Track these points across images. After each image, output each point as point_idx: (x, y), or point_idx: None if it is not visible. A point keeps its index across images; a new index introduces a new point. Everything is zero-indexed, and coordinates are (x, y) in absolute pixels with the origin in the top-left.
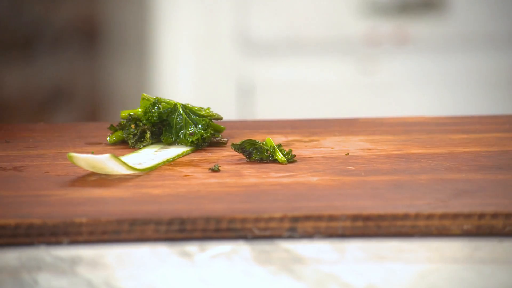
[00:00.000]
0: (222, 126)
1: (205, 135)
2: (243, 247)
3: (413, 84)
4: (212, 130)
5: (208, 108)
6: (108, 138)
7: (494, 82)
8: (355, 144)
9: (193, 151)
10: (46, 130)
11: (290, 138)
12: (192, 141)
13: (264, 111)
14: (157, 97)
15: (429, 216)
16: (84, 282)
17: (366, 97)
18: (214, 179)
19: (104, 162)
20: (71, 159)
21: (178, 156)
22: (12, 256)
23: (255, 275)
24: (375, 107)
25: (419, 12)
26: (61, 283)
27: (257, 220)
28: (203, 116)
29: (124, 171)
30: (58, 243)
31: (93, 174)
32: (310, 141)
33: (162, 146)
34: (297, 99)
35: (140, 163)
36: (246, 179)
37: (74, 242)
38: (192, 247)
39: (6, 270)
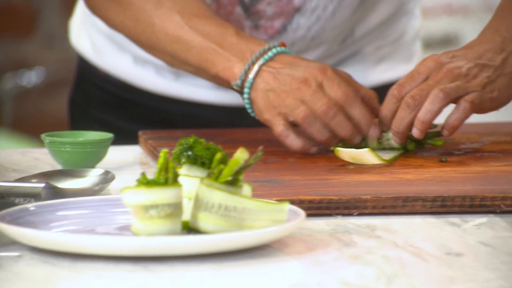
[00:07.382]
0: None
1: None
2: (496, 219)
3: None
4: None
5: None
6: None
7: None
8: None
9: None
10: None
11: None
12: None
13: None
14: None
15: None
16: (388, 242)
17: None
18: (446, 167)
19: (363, 154)
20: (336, 152)
21: (403, 153)
22: (322, 223)
23: None
24: None
25: None
26: (370, 243)
27: (504, 198)
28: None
29: (376, 161)
30: (349, 214)
31: (349, 163)
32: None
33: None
34: None
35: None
36: (473, 167)
37: (361, 214)
38: (455, 219)
39: (323, 232)
